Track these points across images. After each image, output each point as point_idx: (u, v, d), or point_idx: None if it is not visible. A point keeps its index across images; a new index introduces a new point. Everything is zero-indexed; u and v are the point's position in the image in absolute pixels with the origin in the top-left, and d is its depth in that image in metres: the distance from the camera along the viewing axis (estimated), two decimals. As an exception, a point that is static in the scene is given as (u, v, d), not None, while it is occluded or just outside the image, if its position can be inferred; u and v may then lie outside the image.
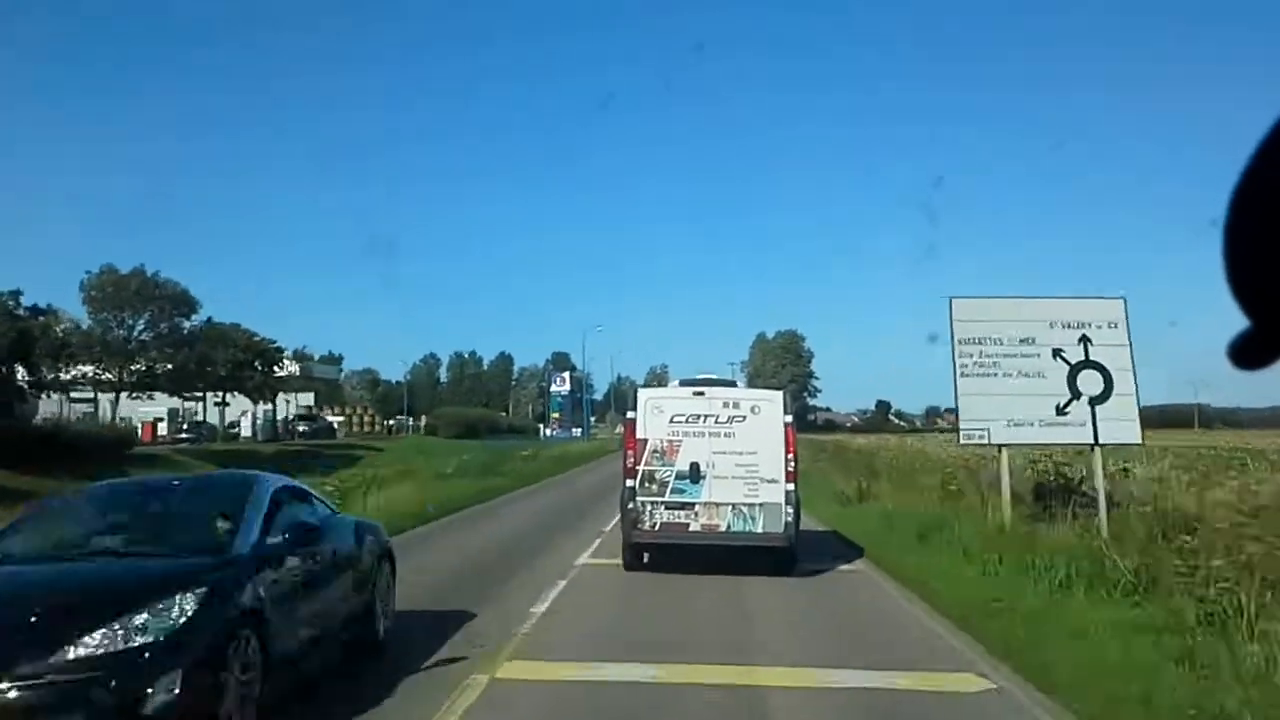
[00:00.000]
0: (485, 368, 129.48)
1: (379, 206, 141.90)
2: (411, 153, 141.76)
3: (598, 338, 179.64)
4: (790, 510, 10.12)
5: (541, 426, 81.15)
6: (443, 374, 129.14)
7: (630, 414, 10.63)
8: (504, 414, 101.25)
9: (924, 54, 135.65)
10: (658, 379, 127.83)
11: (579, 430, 76.67)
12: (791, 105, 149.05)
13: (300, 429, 49.45)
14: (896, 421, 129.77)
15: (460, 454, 31.55)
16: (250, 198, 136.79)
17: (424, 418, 74.36)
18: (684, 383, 11.89)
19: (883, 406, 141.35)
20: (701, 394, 10.63)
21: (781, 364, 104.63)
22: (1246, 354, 0.92)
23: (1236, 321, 0.91)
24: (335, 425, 57.20)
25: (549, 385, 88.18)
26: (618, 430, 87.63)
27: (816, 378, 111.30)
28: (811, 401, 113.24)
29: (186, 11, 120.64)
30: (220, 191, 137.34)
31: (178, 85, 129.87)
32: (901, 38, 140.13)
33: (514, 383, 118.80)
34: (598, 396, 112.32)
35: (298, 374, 52.22)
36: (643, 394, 10.98)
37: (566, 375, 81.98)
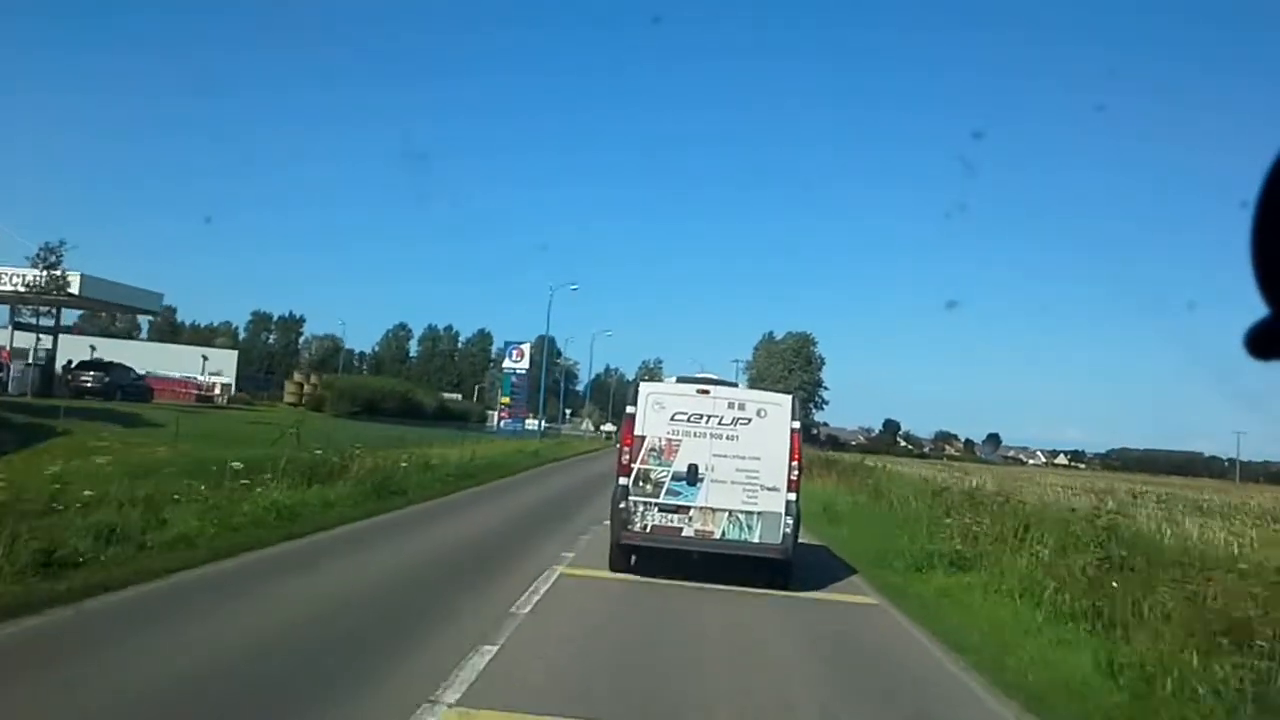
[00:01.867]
0: (461, 345, 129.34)
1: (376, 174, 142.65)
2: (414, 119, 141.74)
3: (583, 323, 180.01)
4: (790, 521, 10.35)
5: (494, 414, 67.55)
6: (414, 348, 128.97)
7: (630, 409, 10.80)
8: (457, 395, 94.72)
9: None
10: (650, 374, 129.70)
11: (535, 423, 64.86)
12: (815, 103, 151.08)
13: (85, 381, 37.97)
14: (904, 444, 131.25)
15: (309, 445, 17.93)
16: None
17: (311, 385, 61.24)
18: (681, 380, 12.02)
19: (891, 426, 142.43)
20: (706, 392, 10.81)
21: (789, 368, 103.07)
22: (1264, 343, 0.97)
23: (1256, 309, 0.97)
24: (143, 377, 43.05)
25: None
26: (596, 429, 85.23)
27: (826, 387, 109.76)
28: (817, 415, 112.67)
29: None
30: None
31: None
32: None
33: (490, 364, 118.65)
34: (579, 387, 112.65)
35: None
36: (644, 388, 11.10)
37: (525, 349, 63.92)
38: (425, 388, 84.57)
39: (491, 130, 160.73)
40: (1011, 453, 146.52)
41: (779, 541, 10.30)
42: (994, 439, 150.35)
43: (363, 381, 69.46)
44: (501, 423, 62.26)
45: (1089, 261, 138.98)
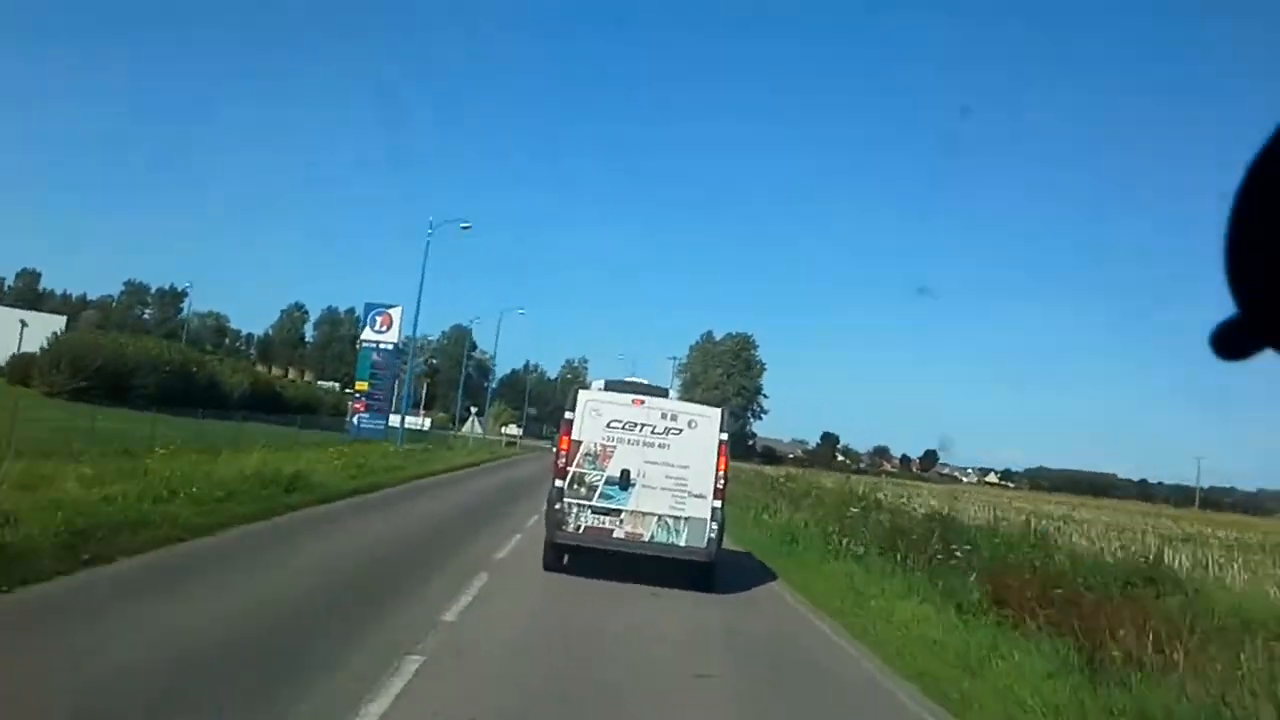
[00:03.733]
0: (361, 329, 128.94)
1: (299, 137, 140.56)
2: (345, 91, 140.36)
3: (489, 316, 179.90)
4: (715, 526, 12.25)
5: (353, 407, 51.77)
6: (309, 331, 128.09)
7: (569, 414, 12.60)
8: (334, 383, 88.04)
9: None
10: (574, 373, 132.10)
11: (397, 420, 50.20)
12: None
13: None
14: (841, 458, 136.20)
15: None
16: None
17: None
18: (609, 385, 13.65)
19: (830, 440, 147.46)
20: (641, 402, 12.67)
21: (728, 372, 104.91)
22: (1230, 343, 1.06)
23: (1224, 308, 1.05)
24: None
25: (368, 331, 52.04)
26: (497, 431, 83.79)
27: (765, 395, 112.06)
28: (755, 425, 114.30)
29: None
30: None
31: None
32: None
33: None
34: (492, 384, 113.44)
35: None
36: (583, 395, 12.84)
37: (395, 316, 49.51)
38: (236, 364, 67.79)
39: (409, 98, 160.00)
40: (946, 470, 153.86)
41: (704, 545, 12.20)
42: (931, 456, 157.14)
43: (106, 342, 47.61)
44: (357, 419, 49.09)
45: (1047, 265, 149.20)
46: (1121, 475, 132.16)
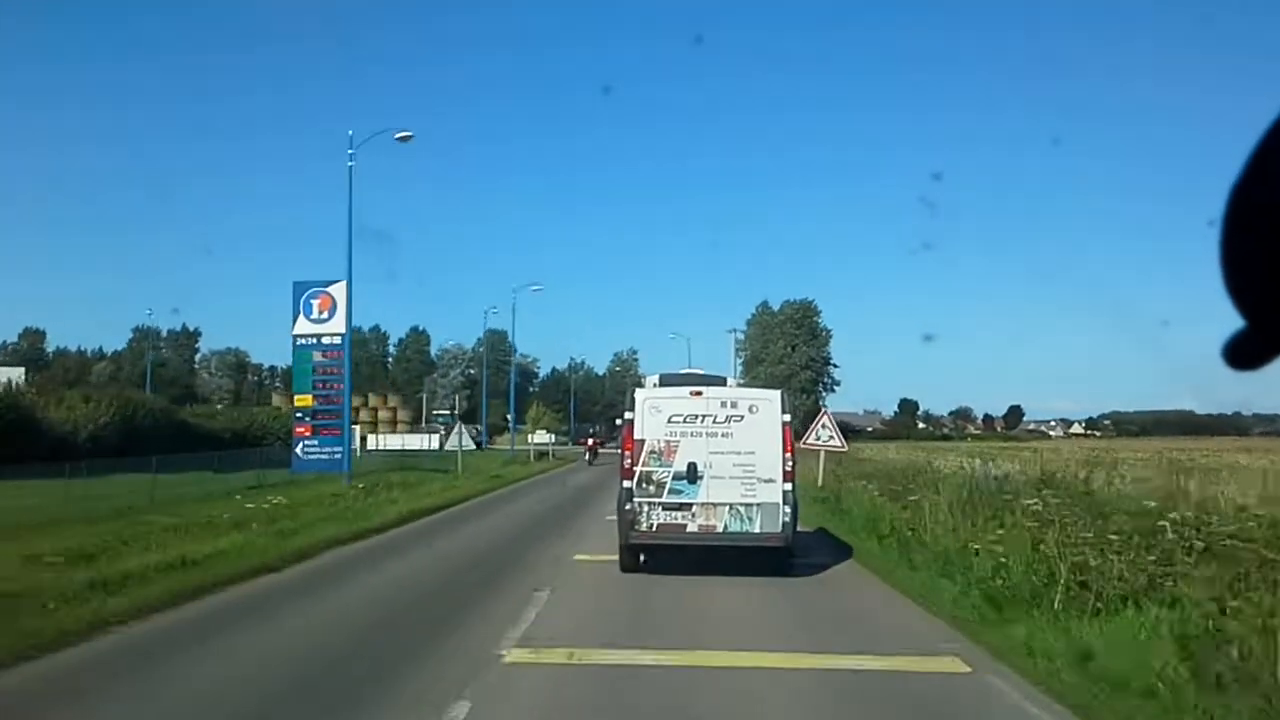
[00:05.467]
0: (393, 348, 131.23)
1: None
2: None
3: (540, 310, 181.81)
4: (788, 510, 13.17)
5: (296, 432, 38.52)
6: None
7: (628, 414, 13.62)
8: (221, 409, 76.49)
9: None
10: (623, 366, 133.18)
11: (338, 449, 37.35)
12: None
13: None
14: (922, 425, 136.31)
15: None
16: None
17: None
18: (664, 379, 14.70)
19: (909, 407, 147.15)
20: (699, 394, 13.64)
21: (791, 344, 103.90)
22: (1242, 354, 1.18)
23: (1232, 322, 1.15)
24: None
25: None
26: (531, 440, 66.19)
27: (835, 365, 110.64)
28: (828, 398, 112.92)
29: None
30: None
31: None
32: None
33: (428, 369, 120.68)
34: (521, 385, 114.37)
35: None
36: (640, 394, 13.86)
37: (337, 294, 37.34)
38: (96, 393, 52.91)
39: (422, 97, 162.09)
40: (1031, 426, 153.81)
41: (779, 530, 13.13)
42: (1016, 412, 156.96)
43: None
44: (302, 448, 37.29)
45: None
46: (1199, 411, 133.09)
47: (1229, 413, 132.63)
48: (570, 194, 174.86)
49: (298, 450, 37.44)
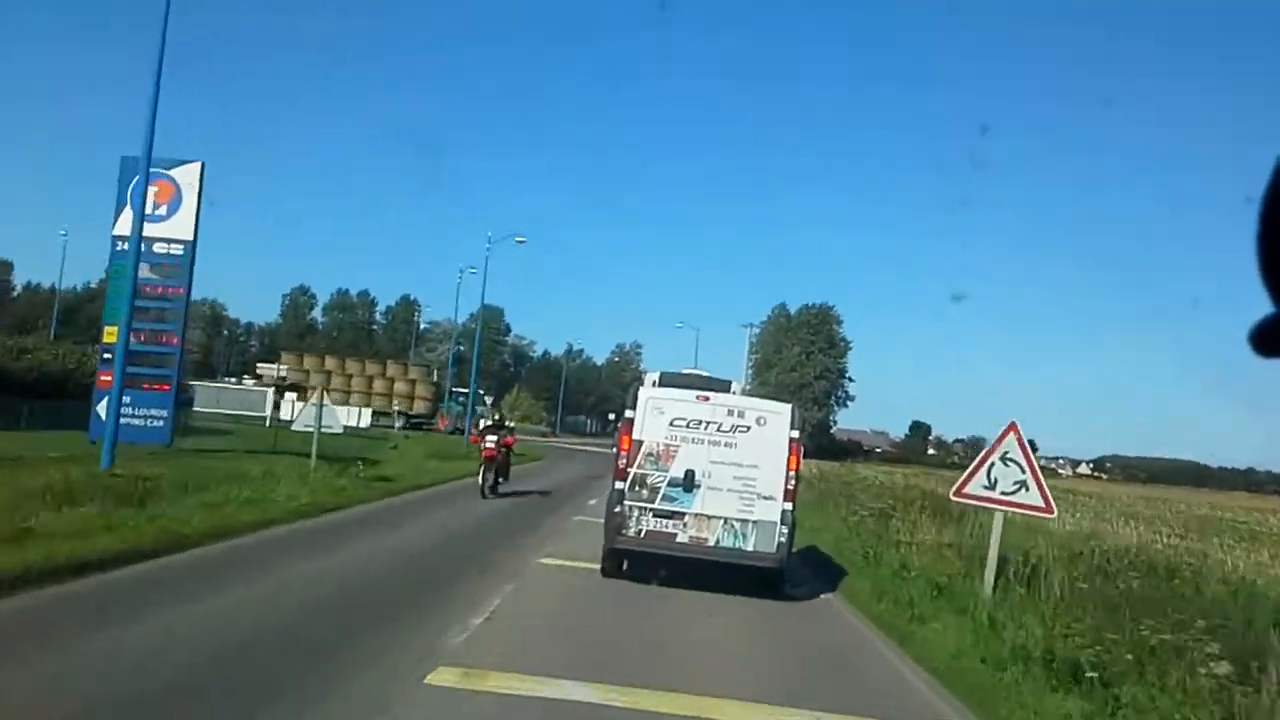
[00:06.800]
0: (380, 315, 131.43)
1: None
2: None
3: (537, 286, 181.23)
4: (785, 530, 13.16)
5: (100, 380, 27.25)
6: (319, 315, 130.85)
7: (629, 412, 13.60)
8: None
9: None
10: (624, 358, 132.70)
11: (161, 412, 27.86)
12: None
13: None
14: (933, 451, 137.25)
15: None
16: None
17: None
18: (665, 377, 14.57)
19: (921, 429, 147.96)
20: (707, 399, 13.59)
21: (807, 351, 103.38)
22: (1269, 340, 1.20)
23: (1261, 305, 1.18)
24: None
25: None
26: (482, 423, 46.47)
27: (850, 378, 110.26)
28: (839, 413, 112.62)
29: None
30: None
31: None
32: None
33: (416, 339, 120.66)
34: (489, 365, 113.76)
35: None
36: (643, 393, 13.78)
37: (180, 184, 27.66)
38: None
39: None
40: (1043, 463, 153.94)
41: (773, 550, 13.14)
42: (1030, 446, 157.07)
43: None
44: (106, 405, 24.22)
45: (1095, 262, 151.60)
46: (1196, 460, 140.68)
47: (1241, 467, 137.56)
48: (587, 179, 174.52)
49: (99, 409, 25.63)
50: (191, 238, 27.46)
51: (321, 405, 24.76)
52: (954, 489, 14.73)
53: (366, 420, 61.15)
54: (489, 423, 27.23)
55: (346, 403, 69.74)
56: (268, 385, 65.38)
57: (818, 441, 73.48)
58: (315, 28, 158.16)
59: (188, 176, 27.61)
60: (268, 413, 51.87)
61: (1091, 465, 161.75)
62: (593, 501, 23.69)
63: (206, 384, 65.66)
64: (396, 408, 73.23)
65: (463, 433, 63.69)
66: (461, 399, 66.61)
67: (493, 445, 25.08)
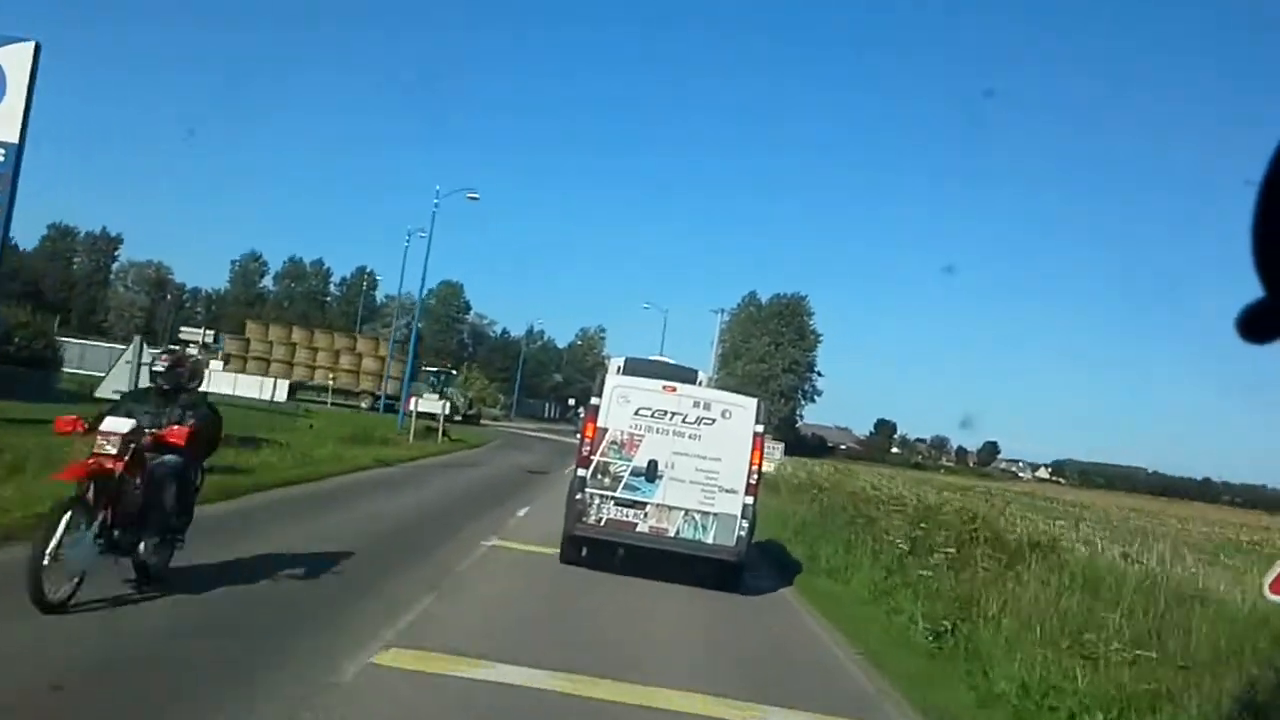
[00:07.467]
0: (334, 286, 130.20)
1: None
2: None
3: (502, 265, 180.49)
4: (745, 524, 13.55)
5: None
6: (270, 283, 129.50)
7: (595, 400, 13.91)
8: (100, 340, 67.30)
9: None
10: (587, 343, 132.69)
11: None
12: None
13: None
14: (896, 450, 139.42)
15: None
16: None
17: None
18: (630, 364, 15.15)
19: (886, 428, 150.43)
20: (674, 389, 14.03)
21: (776, 341, 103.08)
22: (1257, 326, 1.22)
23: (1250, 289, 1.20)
24: None
25: None
26: (415, 406, 38.89)
27: (819, 374, 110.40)
28: (806, 408, 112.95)
29: None
30: None
31: None
32: None
33: (371, 312, 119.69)
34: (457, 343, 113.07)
35: None
36: (610, 380, 14.22)
37: (7, 64, 19.40)
38: None
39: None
40: (1003, 466, 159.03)
41: (733, 544, 13.51)
42: (991, 448, 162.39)
43: None
44: None
45: (1089, 258, 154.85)
46: (1148, 468, 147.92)
47: (1197, 478, 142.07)
48: (555, 161, 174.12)
49: None
50: (17, 140, 19.69)
51: (139, 362, 16.78)
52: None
53: (283, 394, 57.17)
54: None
55: (289, 375, 66.33)
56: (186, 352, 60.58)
57: (784, 437, 73.10)
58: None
59: (14, 58, 20.03)
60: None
61: (1049, 469, 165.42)
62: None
63: (95, 343, 59.78)
64: (331, 381, 65.91)
65: (471, 419, 61.44)
66: (437, 377, 63.77)
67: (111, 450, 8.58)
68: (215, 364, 60.45)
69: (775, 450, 39.07)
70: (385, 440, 34.92)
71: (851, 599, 15.03)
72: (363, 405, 62.88)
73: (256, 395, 52.46)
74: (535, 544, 15.60)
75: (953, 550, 15.56)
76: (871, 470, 55.81)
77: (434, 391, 53.84)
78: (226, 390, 49.65)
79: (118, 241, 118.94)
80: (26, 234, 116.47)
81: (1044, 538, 18.43)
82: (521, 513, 19.87)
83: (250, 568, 10.56)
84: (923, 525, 18.10)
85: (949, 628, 11.87)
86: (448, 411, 57.17)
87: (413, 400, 41.69)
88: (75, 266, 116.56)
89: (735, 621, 12.65)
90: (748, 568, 14.28)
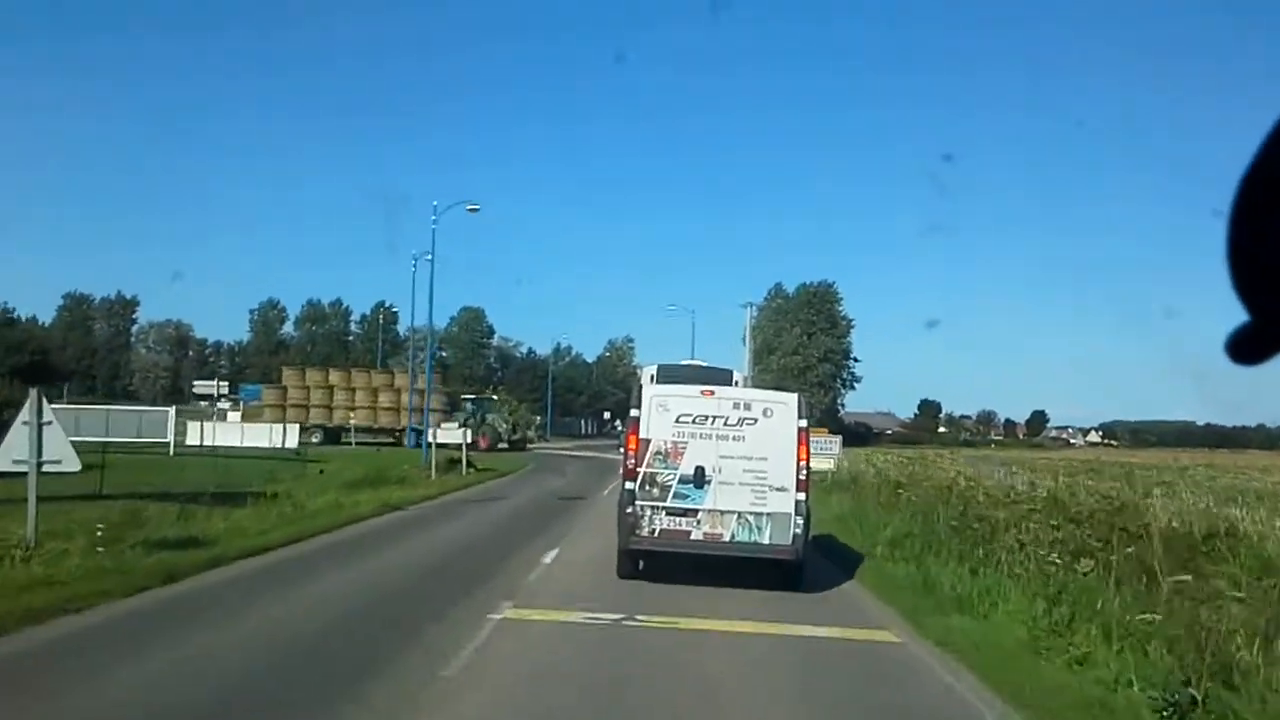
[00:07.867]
0: (355, 325, 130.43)
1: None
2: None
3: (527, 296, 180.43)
4: (800, 521, 13.52)
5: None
6: (290, 330, 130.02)
7: (634, 411, 13.92)
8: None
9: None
10: (616, 354, 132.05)
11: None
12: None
13: None
14: (943, 430, 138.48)
15: None
16: None
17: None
18: (663, 370, 15.45)
19: (930, 408, 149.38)
20: (711, 393, 14.12)
21: (808, 331, 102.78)
22: (1245, 348, 1.28)
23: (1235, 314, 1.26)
24: None
25: None
26: (435, 436, 35.99)
27: (856, 359, 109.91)
28: (846, 396, 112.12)
29: None
30: None
31: None
32: None
33: (396, 346, 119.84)
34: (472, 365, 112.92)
35: None
36: (648, 390, 14.31)
37: None
38: None
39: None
40: (1054, 434, 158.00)
41: (789, 543, 13.50)
42: (1039, 418, 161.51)
43: None
44: None
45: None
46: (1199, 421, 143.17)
47: (1252, 425, 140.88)
48: (572, 173, 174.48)
49: None
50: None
51: (40, 424, 13.40)
52: None
53: (294, 440, 53.49)
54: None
55: (329, 421, 64.93)
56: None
57: (828, 427, 72.69)
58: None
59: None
60: (170, 438, 45.23)
61: (1100, 432, 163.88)
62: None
63: (91, 407, 57.54)
64: (353, 422, 65.05)
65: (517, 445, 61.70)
66: (477, 404, 63.95)
67: None
68: (233, 415, 60.34)
69: (833, 445, 35.44)
70: (402, 479, 32.80)
71: (1007, 647, 10.69)
72: (382, 441, 61.26)
73: (263, 443, 51.43)
74: (565, 609, 12.09)
75: (1187, 577, 10.94)
76: (926, 453, 54.99)
77: (474, 419, 53.83)
78: (234, 441, 48.37)
79: (134, 304, 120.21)
80: (43, 306, 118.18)
81: (1220, 524, 15.14)
82: (549, 557, 16.52)
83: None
84: (1053, 525, 14.93)
85: (1196, 699, 7.90)
86: (501, 440, 55.88)
87: (430, 432, 39.04)
88: (95, 333, 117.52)
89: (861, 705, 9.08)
90: (851, 606, 13.64)
